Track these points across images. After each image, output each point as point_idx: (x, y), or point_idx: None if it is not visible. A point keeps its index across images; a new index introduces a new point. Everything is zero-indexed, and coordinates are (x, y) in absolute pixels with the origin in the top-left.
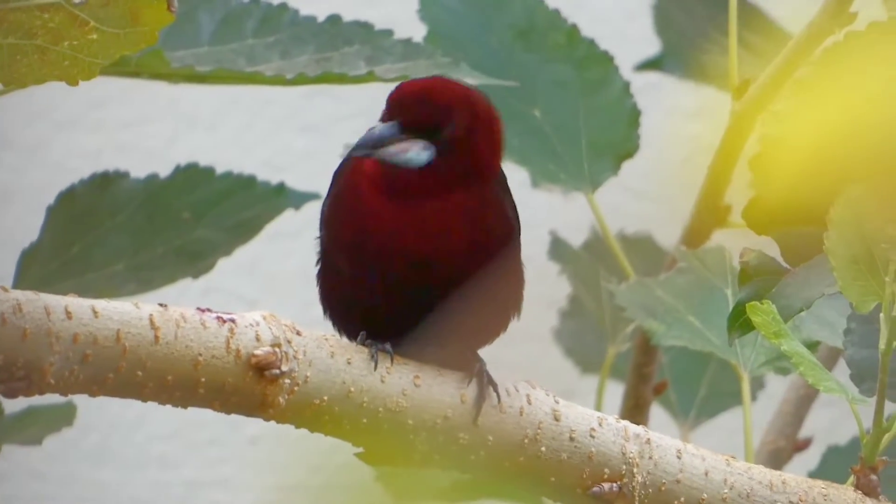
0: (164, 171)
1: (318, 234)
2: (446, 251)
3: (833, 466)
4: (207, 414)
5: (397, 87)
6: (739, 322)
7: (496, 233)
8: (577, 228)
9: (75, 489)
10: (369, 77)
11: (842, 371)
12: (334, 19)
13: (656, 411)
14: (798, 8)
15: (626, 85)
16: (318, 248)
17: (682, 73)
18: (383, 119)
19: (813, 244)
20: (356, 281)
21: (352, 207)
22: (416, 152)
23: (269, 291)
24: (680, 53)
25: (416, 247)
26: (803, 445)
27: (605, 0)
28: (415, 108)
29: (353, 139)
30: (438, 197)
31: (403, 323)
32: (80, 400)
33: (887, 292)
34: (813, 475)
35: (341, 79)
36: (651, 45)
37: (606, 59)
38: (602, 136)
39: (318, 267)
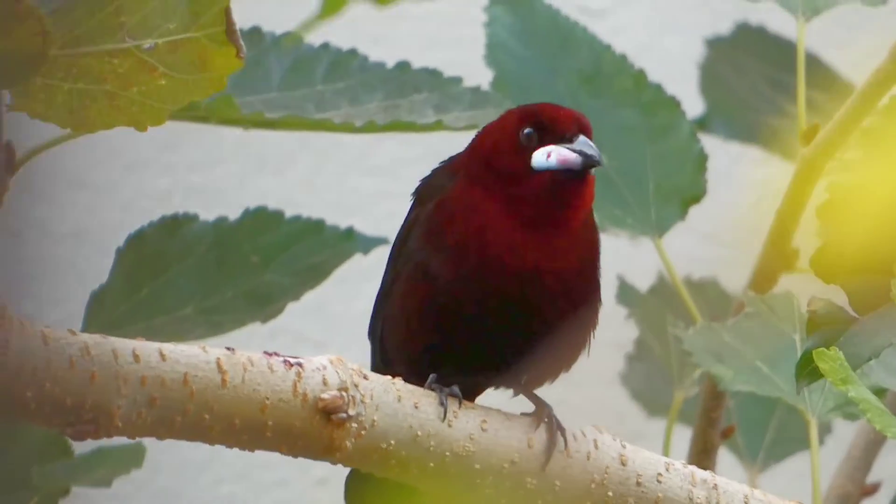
0: (233, 213)
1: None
2: (557, 269)
3: None
4: (275, 455)
5: (542, 108)
6: (808, 370)
7: (596, 259)
8: (644, 273)
9: None
10: (437, 126)
11: None
12: (403, 66)
13: (724, 455)
14: (861, 57)
15: (693, 129)
16: (389, 277)
17: (730, 134)
18: (548, 138)
19: (881, 293)
20: (457, 291)
21: (465, 219)
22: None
23: (336, 333)
24: (727, 113)
25: (528, 261)
26: (872, 490)
27: (652, 61)
28: (579, 123)
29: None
30: (571, 216)
31: (481, 351)
32: (148, 441)
33: None
34: None
35: (410, 126)
36: (697, 105)
37: (673, 103)
38: (669, 180)
39: (395, 292)
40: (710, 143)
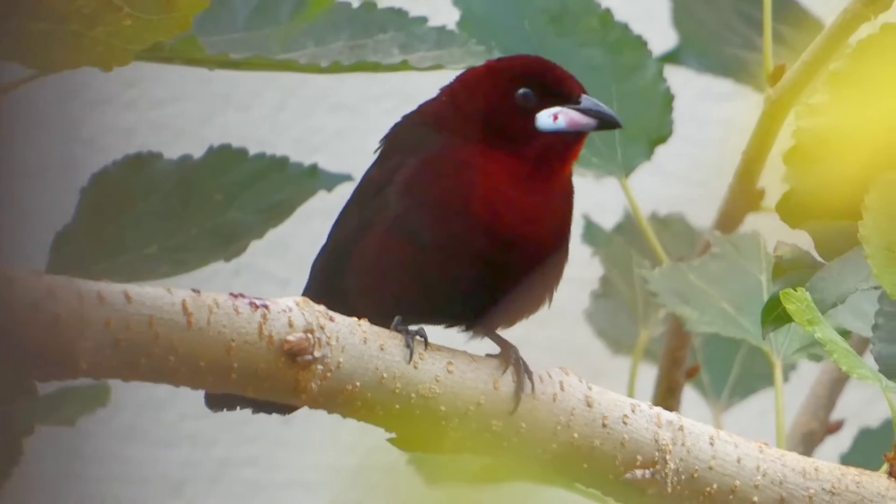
0: (197, 150)
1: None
2: (540, 231)
3: (865, 449)
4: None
5: (542, 65)
6: (774, 315)
7: (571, 218)
8: (610, 212)
9: (107, 467)
10: (403, 66)
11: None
12: (369, 6)
13: (688, 394)
14: None
15: (660, 69)
16: (358, 223)
17: (702, 67)
18: (564, 91)
19: (847, 238)
20: (436, 253)
21: (455, 181)
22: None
23: (299, 271)
24: (699, 46)
25: (514, 225)
26: (835, 428)
27: None
28: (575, 82)
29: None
30: (560, 176)
31: (453, 303)
32: (113, 382)
33: None
34: (845, 458)
35: (375, 67)
36: (669, 39)
37: (640, 43)
38: (635, 120)
39: (366, 242)
40: (677, 82)
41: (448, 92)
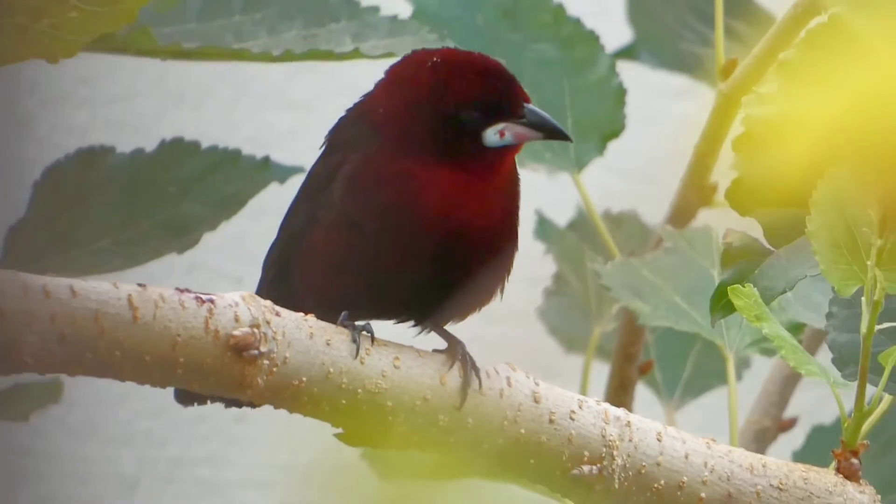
0: (151, 147)
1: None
2: (484, 226)
3: (818, 446)
4: None
5: (486, 69)
6: (722, 303)
7: (516, 211)
8: (562, 208)
9: (61, 465)
10: (355, 54)
11: (827, 353)
12: None
13: (641, 391)
14: None
15: (612, 64)
16: (305, 218)
17: (657, 63)
18: (506, 100)
19: (796, 225)
20: (382, 246)
21: (394, 179)
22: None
23: (253, 268)
24: (654, 42)
25: (456, 221)
26: (788, 425)
27: None
28: (517, 88)
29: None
30: (486, 173)
31: (399, 298)
32: (65, 376)
33: (869, 276)
34: (798, 455)
35: (327, 55)
36: (624, 35)
37: (592, 38)
38: (588, 115)
39: (311, 237)
40: (630, 79)
41: (383, 90)
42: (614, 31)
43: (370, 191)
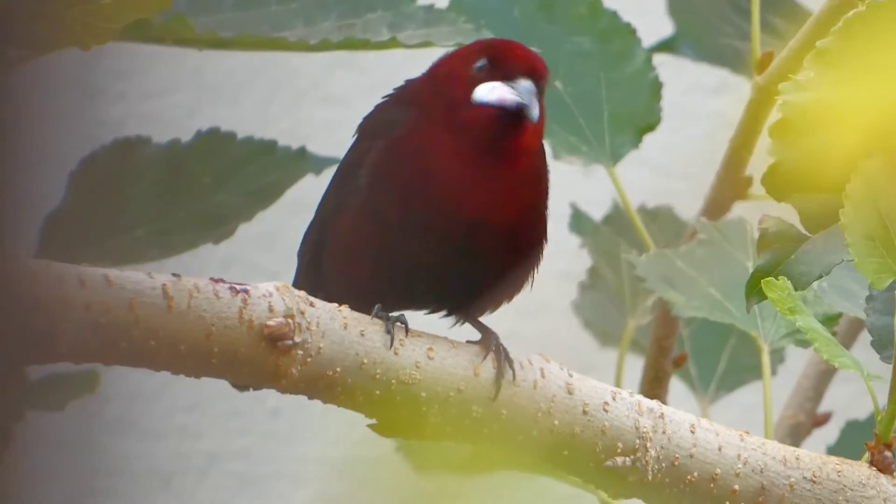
0: (186, 140)
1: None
2: (505, 214)
3: (852, 441)
4: (228, 385)
5: (499, 44)
6: (758, 288)
7: (543, 200)
8: (597, 202)
9: (96, 459)
10: (392, 43)
11: (864, 344)
12: None
13: (676, 385)
14: None
15: (649, 57)
16: (335, 205)
17: (696, 56)
18: (496, 74)
19: (832, 211)
20: (406, 234)
21: (416, 163)
22: (535, 113)
23: (289, 264)
24: (694, 35)
25: (477, 207)
26: (822, 420)
27: None
28: (532, 66)
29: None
30: (512, 158)
31: (428, 288)
32: (102, 370)
33: None
34: (832, 450)
35: (364, 45)
36: (664, 28)
37: (629, 31)
38: (623, 108)
39: (340, 224)
40: (666, 75)
41: (431, 68)
42: (655, 24)
43: (392, 178)
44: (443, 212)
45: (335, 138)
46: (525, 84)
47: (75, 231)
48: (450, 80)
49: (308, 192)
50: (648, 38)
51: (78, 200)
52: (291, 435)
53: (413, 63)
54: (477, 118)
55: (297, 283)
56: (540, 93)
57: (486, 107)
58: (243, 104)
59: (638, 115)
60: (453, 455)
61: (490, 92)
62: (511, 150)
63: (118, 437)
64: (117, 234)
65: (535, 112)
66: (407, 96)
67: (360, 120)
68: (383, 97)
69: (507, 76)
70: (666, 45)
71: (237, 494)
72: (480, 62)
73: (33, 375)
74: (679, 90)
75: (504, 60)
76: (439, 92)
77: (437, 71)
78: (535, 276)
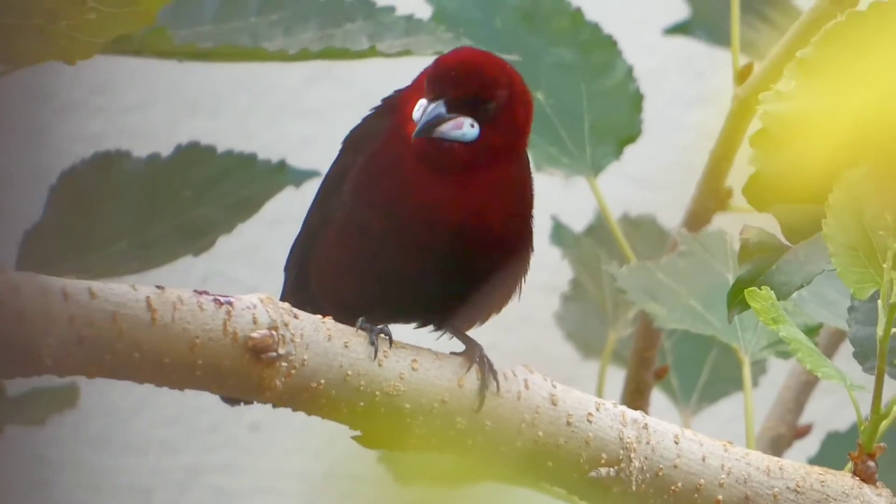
0: (166, 154)
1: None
2: (484, 223)
3: (833, 452)
4: (208, 399)
5: (438, 63)
6: (739, 299)
7: (525, 211)
8: (578, 214)
9: (76, 474)
10: (371, 52)
11: (844, 354)
12: None
13: (657, 397)
14: None
15: (630, 70)
16: (319, 220)
17: (710, 40)
18: (428, 95)
19: (813, 221)
20: (387, 246)
21: (394, 174)
22: (464, 130)
23: (268, 277)
24: (709, 19)
25: (455, 217)
26: (804, 432)
27: None
28: (460, 85)
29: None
30: (478, 172)
31: (412, 300)
32: (82, 385)
33: (885, 279)
34: (813, 461)
35: (344, 54)
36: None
37: (610, 43)
38: (605, 120)
39: (325, 238)
40: (646, 87)
41: (398, 94)
42: (671, 5)
43: (371, 190)
44: (419, 222)
45: (314, 151)
46: (433, 106)
47: (55, 245)
48: (413, 93)
49: (287, 205)
50: (664, 19)
51: (58, 214)
52: (272, 449)
53: (392, 77)
54: (476, 155)
55: (284, 298)
56: (476, 110)
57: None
58: (223, 118)
59: (619, 127)
60: (436, 467)
61: (416, 111)
62: (450, 164)
63: (98, 452)
64: (97, 247)
65: (443, 129)
66: (389, 107)
67: (338, 133)
68: (371, 108)
69: (433, 95)
70: (681, 28)
71: None
72: (429, 80)
73: (12, 390)
74: (659, 102)
75: (434, 79)
76: (411, 103)
77: (416, 82)
78: (523, 286)
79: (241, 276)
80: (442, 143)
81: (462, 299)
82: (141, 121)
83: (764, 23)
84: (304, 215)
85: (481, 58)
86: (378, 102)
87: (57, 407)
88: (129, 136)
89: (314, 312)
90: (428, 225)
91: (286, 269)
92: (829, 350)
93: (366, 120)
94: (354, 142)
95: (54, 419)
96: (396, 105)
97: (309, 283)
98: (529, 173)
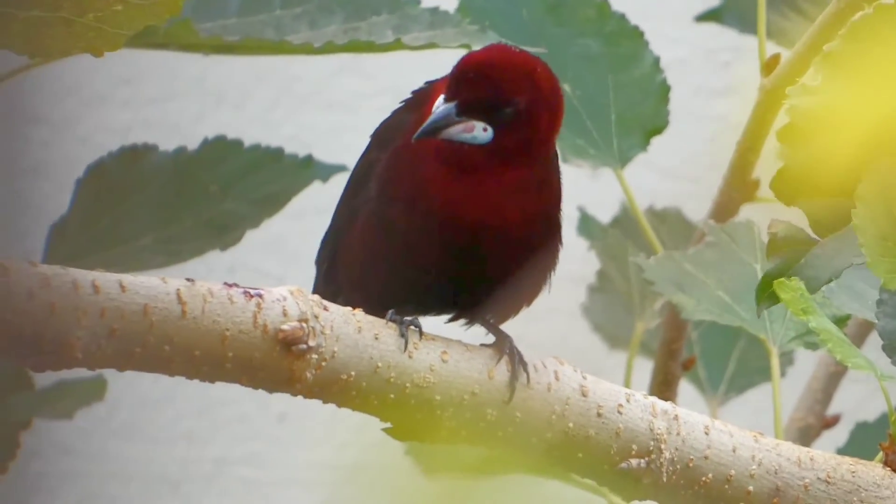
0: (192, 146)
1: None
2: (501, 223)
3: (861, 443)
4: (235, 391)
5: (462, 61)
6: (768, 293)
7: (548, 209)
8: (605, 205)
9: (104, 465)
10: (397, 45)
11: (872, 346)
12: None
13: (685, 388)
14: None
15: (656, 60)
16: (347, 214)
17: (742, 27)
18: (446, 94)
19: (841, 215)
20: (411, 242)
21: (415, 170)
22: (475, 133)
23: (295, 268)
24: (741, 6)
25: (471, 216)
26: (832, 422)
27: None
28: (474, 88)
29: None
30: (498, 171)
31: (439, 295)
32: (109, 377)
33: None
34: (841, 452)
35: (369, 47)
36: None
37: (636, 33)
38: (631, 111)
39: (352, 233)
40: (673, 79)
41: (426, 89)
42: None
43: (396, 185)
44: (438, 219)
45: (339, 143)
46: (443, 107)
47: (82, 239)
48: (444, 85)
49: (313, 199)
50: (690, 9)
51: (84, 208)
52: (299, 440)
53: (418, 68)
54: (503, 153)
55: (315, 291)
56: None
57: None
58: (248, 110)
59: (646, 118)
60: (463, 458)
61: (434, 108)
62: (462, 165)
63: (126, 443)
64: (124, 241)
65: (451, 132)
66: (419, 99)
67: (364, 125)
68: (401, 101)
69: (449, 95)
70: (713, 15)
71: (245, 500)
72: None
73: (41, 383)
74: (686, 93)
75: (453, 79)
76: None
77: (432, 96)
78: (552, 280)
79: (267, 268)
80: (453, 144)
81: (490, 293)
82: (166, 113)
83: (794, 11)
84: (332, 208)
85: (505, 60)
86: (407, 95)
87: (85, 400)
88: (154, 128)
89: (342, 303)
90: (446, 222)
91: (317, 263)
92: (856, 342)
93: (395, 113)
94: (381, 136)
95: (82, 412)
96: (427, 97)
97: (338, 276)
98: (558, 170)
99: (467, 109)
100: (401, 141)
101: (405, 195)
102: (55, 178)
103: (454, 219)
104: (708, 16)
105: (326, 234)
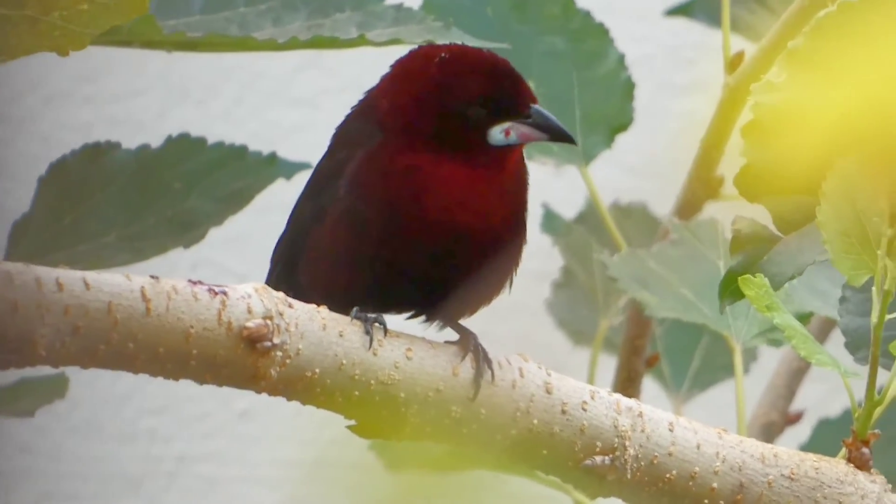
0: (155, 144)
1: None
2: (488, 224)
3: (824, 439)
4: (198, 388)
5: (496, 66)
6: (731, 289)
7: (523, 206)
8: (569, 202)
9: (64, 463)
10: (360, 41)
11: (834, 343)
12: None
13: (649, 384)
14: None
15: (621, 58)
16: (311, 213)
17: (711, 22)
18: (521, 102)
19: (805, 212)
20: (385, 242)
21: (393, 173)
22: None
23: (257, 265)
24: (711, 3)
25: (456, 220)
26: (795, 419)
27: None
28: (515, 89)
29: (343, 112)
30: (480, 173)
31: (405, 293)
32: (70, 374)
33: (879, 266)
34: (804, 448)
35: (333, 43)
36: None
37: (601, 31)
38: (596, 108)
39: (318, 232)
40: (637, 76)
41: (388, 83)
42: None
43: (375, 186)
44: (426, 219)
45: (304, 140)
46: (536, 109)
47: (44, 236)
48: (445, 126)
49: (276, 196)
50: (654, 6)
51: (47, 206)
52: (262, 437)
53: (382, 64)
54: (499, 158)
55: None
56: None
57: (506, 146)
58: (212, 106)
59: (610, 115)
60: (426, 454)
61: (507, 134)
62: (508, 165)
63: (86, 441)
64: (87, 239)
65: (568, 131)
66: (376, 110)
67: (328, 121)
68: (352, 107)
69: (516, 113)
70: (683, 9)
71: (207, 497)
72: (475, 110)
73: (1, 381)
74: (651, 90)
75: (503, 99)
76: (427, 129)
77: (406, 99)
78: (514, 278)
79: (231, 265)
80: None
81: (454, 290)
82: (130, 110)
83: (760, 5)
84: (291, 205)
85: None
86: (361, 97)
87: (47, 398)
88: (118, 125)
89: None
90: (431, 224)
91: (272, 260)
92: (819, 339)
93: (352, 116)
94: (346, 137)
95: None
96: (381, 105)
97: (296, 274)
98: (525, 166)
99: (501, 111)
100: (376, 142)
101: (383, 197)
102: (17, 177)
103: (436, 222)
104: (677, 10)
105: (285, 232)
